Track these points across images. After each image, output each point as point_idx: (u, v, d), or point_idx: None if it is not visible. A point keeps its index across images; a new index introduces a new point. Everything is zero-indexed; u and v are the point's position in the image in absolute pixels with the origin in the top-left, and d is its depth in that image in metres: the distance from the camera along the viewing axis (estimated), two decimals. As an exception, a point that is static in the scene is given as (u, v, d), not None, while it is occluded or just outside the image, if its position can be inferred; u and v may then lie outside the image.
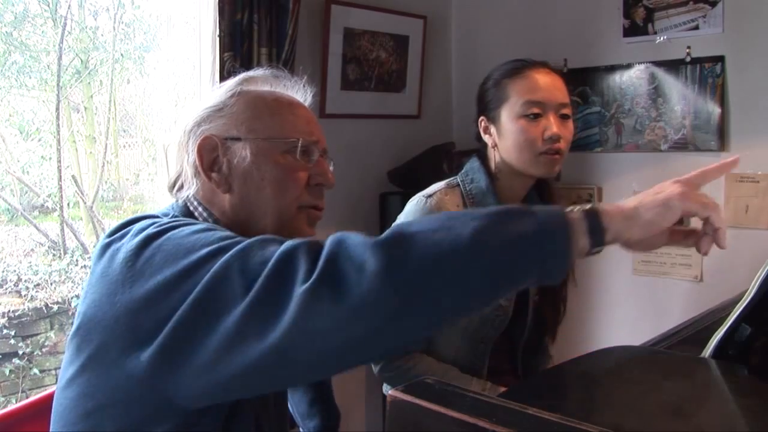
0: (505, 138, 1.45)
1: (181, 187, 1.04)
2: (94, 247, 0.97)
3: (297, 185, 1.00)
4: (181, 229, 0.86)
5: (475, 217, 0.75)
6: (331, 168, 1.07)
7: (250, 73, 1.09)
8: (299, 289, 0.72)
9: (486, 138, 1.50)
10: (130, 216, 0.97)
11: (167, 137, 1.10)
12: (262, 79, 1.08)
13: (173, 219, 0.92)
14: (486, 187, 1.47)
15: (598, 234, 0.79)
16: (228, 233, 0.85)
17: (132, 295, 0.82)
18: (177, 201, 1.04)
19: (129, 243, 0.86)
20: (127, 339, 0.82)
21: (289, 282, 0.73)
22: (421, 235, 0.74)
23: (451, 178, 1.52)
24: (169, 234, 0.85)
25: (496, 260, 0.73)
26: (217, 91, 1.06)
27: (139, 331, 0.80)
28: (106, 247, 0.89)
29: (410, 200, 1.51)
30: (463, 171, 1.52)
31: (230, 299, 0.75)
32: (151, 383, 0.81)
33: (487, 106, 1.49)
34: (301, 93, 1.11)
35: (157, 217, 0.96)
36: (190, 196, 1.02)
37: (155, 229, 0.86)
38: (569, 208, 0.79)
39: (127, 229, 0.90)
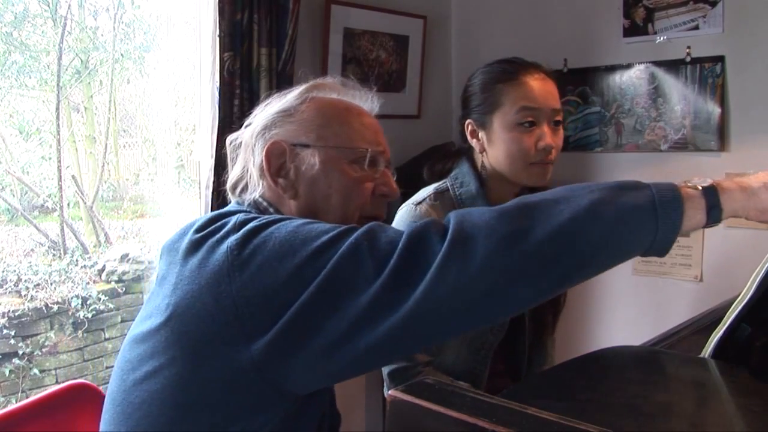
0: (495, 146, 1.42)
1: (244, 188, 1.04)
2: (167, 242, 0.95)
3: (362, 195, 1.02)
4: (286, 222, 0.86)
5: (593, 190, 0.78)
6: (394, 178, 1.08)
7: (320, 80, 1.10)
8: (433, 261, 0.75)
9: (473, 142, 1.46)
10: (213, 213, 0.96)
11: (232, 136, 1.11)
12: (330, 86, 1.09)
13: (271, 216, 0.92)
14: (476, 191, 1.43)
15: (715, 212, 0.81)
16: (335, 224, 0.86)
17: (241, 285, 0.81)
18: (244, 203, 1.03)
19: (233, 235, 0.85)
20: (235, 328, 0.81)
21: (423, 257, 0.76)
22: (543, 204, 0.78)
23: (440, 183, 1.48)
24: (277, 225, 0.85)
25: (610, 231, 0.77)
26: (286, 96, 1.06)
27: (252, 320, 0.80)
28: (201, 241, 0.88)
29: (400, 208, 1.48)
30: (452, 175, 1.48)
31: (363, 278, 0.77)
32: (261, 372, 0.81)
33: (474, 110, 1.44)
34: (368, 103, 1.11)
35: (248, 212, 0.96)
36: (257, 198, 1.02)
37: (259, 222, 0.86)
38: (688, 182, 0.81)
39: (222, 222, 0.89)
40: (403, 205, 1.49)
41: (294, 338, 0.79)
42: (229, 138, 1.11)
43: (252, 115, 1.08)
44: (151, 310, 0.91)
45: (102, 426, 0.94)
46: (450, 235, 0.76)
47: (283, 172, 1.00)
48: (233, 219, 0.89)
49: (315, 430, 0.95)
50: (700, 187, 0.80)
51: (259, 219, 0.87)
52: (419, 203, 1.45)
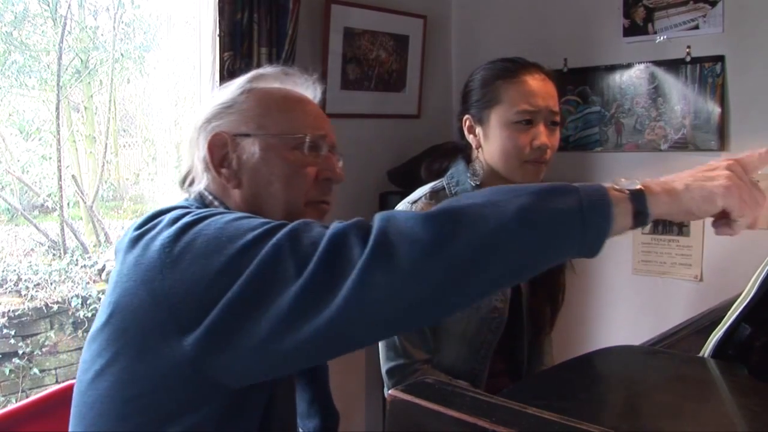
0: (491, 142, 1.43)
1: (192, 182, 1.05)
2: (118, 241, 0.98)
3: (305, 180, 1.02)
4: (217, 217, 0.86)
5: (520, 194, 0.77)
6: (340, 163, 1.08)
7: (260, 70, 1.11)
8: (354, 266, 0.74)
9: (470, 138, 1.47)
10: (153, 210, 0.96)
11: (180, 134, 1.12)
12: (272, 76, 1.10)
13: (205, 209, 0.93)
14: (471, 189, 1.44)
15: (642, 216, 0.80)
16: (266, 219, 0.86)
17: (173, 281, 0.82)
18: (190, 195, 1.05)
19: (166, 231, 0.86)
20: (169, 323, 0.82)
21: (343, 260, 0.76)
22: (469, 209, 0.77)
23: (437, 182, 1.49)
24: (208, 221, 0.86)
25: (537, 237, 0.76)
26: (227, 88, 1.07)
27: (183, 316, 0.81)
28: (138, 238, 0.89)
29: (397, 207, 1.49)
30: (448, 173, 1.49)
31: (283, 280, 0.77)
32: (196, 366, 0.82)
33: (473, 105, 1.46)
34: (311, 90, 1.12)
35: (186, 207, 0.97)
36: (202, 190, 1.04)
37: (192, 218, 0.87)
38: (615, 184, 0.81)
39: (158, 219, 0.90)
40: (400, 203, 1.49)
41: (221, 335, 0.79)
42: (177, 136, 1.12)
43: (194, 110, 1.10)
44: (100, 309, 0.94)
45: (69, 429, 0.97)
46: (372, 240, 0.75)
47: (226, 162, 1.01)
48: (168, 216, 0.90)
49: (260, 423, 0.94)
50: (628, 191, 0.80)
51: (192, 214, 0.88)
52: (415, 202, 1.46)
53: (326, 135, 1.05)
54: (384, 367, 1.45)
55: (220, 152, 1.02)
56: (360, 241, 0.76)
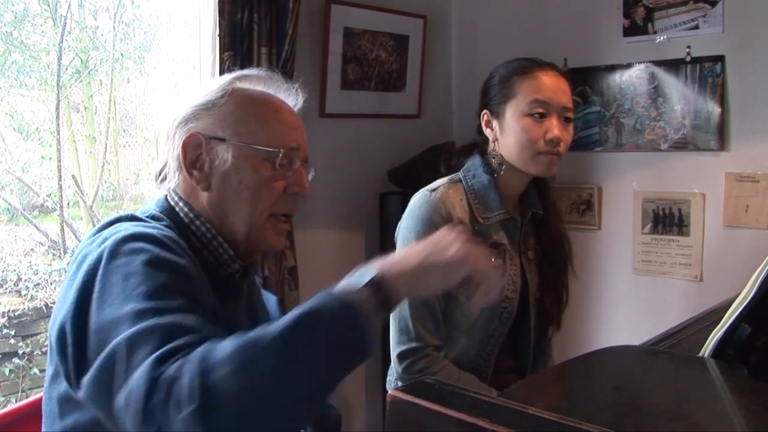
0: (506, 134, 1.49)
1: (165, 178, 1.07)
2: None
3: (272, 194, 1.04)
4: (132, 258, 0.87)
5: (268, 351, 0.75)
6: (310, 176, 1.10)
7: (245, 71, 1.11)
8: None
9: (487, 132, 1.53)
10: (100, 225, 1.00)
11: (157, 126, 1.12)
12: (255, 78, 1.10)
13: (141, 232, 0.92)
14: (487, 182, 1.50)
15: (386, 308, 0.82)
16: (165, 280, 0.85)
17: (64, 320, 0.86)
18: (162, 195, 1.07)
19: (88, 262, 0.89)
20: (67, 362, 0.87)
21: (132, 402, 0.74)
22: (225, 380, 0.72)
23: (454, 174, 1.55)
24: (117, 263, 0.87)
25: (305, 383, 0.76)
26: (209, 87, 1.08)
27: (69, 360, 0.86)
28: (81, 259, 0.92)
29: (414, 195, 1.53)
30: (465, 167, 1.55)
31: (119, 375, 0.78)
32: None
33: (491, 101, 1.52)
34: (292, 97, 1.13)
35: (139, 219, 0.99)
36: (171, 190, 1.06)
37: (108, 253, 0.88)
38: (349, 284, 0.81)
39: (95, 237, 0.94)
40: (418, 192, 1.53)
41: (100, 390, 0.80)
42: (154, 128, 1.13)
43: (173, 104, 1.10)
44: None
45: None
46: (152, 403, 0.73)
47: (198, 164, 1.03)
48: (102, 236, 0.92)
49: None
50: (367, 290, 0.80)
51: (116, 243, 0.89)
52: (434, 190, 1.51)
53: (299, 147, 1.07)
54: (395, 350, 1.48)
55: (194, 153, 1.03)
56: (146, 396, 0.73)
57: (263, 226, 1.04)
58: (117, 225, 0.96)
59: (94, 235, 0.96)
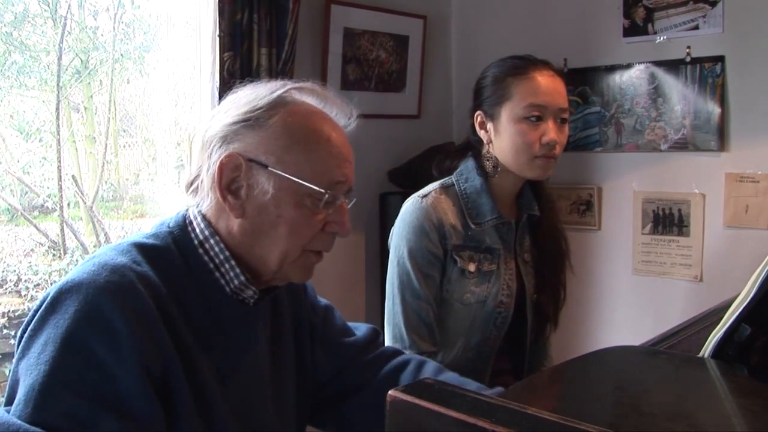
0: (501, 137, 1.46)
1: (195, 190, 1.01)
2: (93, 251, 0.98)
3: (310, 232, 0.98)
4: (62, 318, 0.85)
5: None
6: (350, 203, 1.03)
7: (299, 83, 1.03)
8: None
9: (481, 133, 1.50)
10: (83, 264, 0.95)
11: (195, 127, 1.06)
12: (308, 91, 1.03)
13: (90, 280, 0.88)
14: (480, 186, 1.48)
15: None
16: (67, 375, 0.83)
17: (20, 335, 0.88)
18: (185, 208, 1.03)
19: (45, 294, 0.89)
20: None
21: None
22: None
23: (446, 178, 1.53)
24: (50, 318, 0.85)
25: None
26: (257, 92, 1.00)
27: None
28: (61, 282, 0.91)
29: (406, 201, 1.51)
30: (458, 170, 1.52)
31: None
32: None
33: (485, 102, 1.48)
34: (345, 115, 1.07)
35: (138, 245, 0.96)
36: (195, 209, 1.00)
37: (50, 300, 0.87)
38: None
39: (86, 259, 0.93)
40: (409, 197, 1.51)
41: None
42: (191, 129, 1.08)
43: (219, 107, 1.02)
44: None
45: None
46: None
47: (234, 186, 0.96)
48: (57, 285, 0.89)
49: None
50: None
51: (53, 299, 0.87)
52: (425, 196, 1.49)
53: (346, 180, 1.01)
54: None
55: (231, 175, 0.96)
56: None
57: (295, 261, 0.99)
58: (106, 251, 0.93)
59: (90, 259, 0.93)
